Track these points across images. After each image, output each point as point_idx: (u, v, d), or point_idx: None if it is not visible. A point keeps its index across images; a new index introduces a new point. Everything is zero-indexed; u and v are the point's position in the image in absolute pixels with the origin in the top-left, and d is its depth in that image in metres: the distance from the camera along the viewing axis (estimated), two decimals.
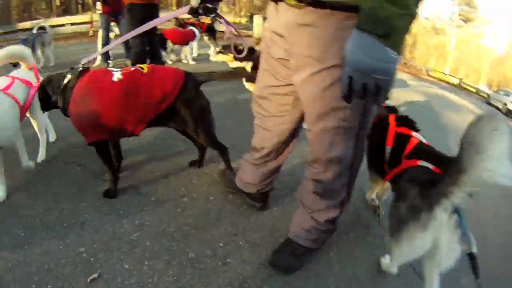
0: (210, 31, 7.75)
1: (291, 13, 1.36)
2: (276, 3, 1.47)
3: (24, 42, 6.70)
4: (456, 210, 1.39)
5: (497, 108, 19.64)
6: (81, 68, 2.17)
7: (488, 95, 23.65)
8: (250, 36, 15.08)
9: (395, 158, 1.86)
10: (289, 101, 1.71)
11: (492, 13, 54.77)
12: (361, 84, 1.05)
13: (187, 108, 2.19)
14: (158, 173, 2.70)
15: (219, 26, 8.15)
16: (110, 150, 2.33)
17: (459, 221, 1.40)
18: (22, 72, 2.69)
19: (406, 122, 2.04)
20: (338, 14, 1.23)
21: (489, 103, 21.23)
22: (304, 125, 1.69)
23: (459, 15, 39.45)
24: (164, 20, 2.50)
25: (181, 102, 2.17)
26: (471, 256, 1.39)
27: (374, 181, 2.39)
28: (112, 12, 6.15)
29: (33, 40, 6.79)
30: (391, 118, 2.05)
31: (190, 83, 2.20)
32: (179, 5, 20.50)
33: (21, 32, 13.24)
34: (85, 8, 22.41)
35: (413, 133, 1.91)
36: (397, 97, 6.15)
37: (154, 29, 5.26)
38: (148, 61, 5.16)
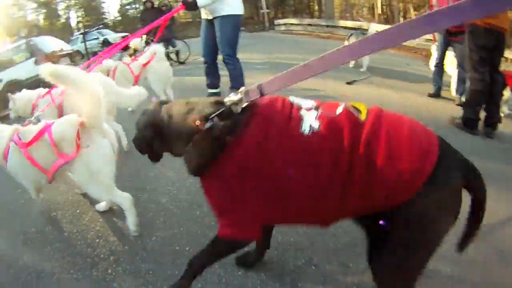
0: None
1: None
2: None
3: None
4: None
5: None
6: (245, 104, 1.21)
7: None
8: None
9: None
10: None
11: None
12: None
13: (424, 217, 1.10)
14: None
15: None
16: None
17: None
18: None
19: None
20: None
21: None
22: None
23: None
24: None
25: (423, 203, 1.08)
26: None
27: None
28: (454, 32, 4.78)
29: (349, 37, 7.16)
30: None
31: (449, 169, 1.09)
32: None
33: (341, 29, 14.39)
34: None
35: None
36: None
37: (498, 64, 3.88)
38: (483, 106, 3.89)
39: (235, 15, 3.79)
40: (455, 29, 4.65)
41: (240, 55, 4.08)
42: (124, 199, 2.09)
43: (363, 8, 31.67)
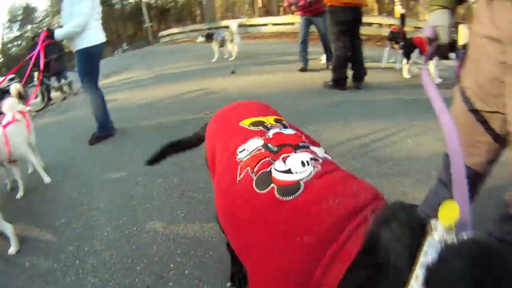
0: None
1: None
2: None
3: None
4: None
5: None
6: None
7: None
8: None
9: None
10: None
11: None
12: None
13: None
14: None
15: None
16: None
17: None
18: None
19: None
20: None
21: None
22: None
23: None
24: None
25: None
26: None
27: None
28: (312, 15, 5.91)
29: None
30: None
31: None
32: (381, 11, 19.49)
33: (224, 29, 15.16)
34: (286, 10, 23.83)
35: None
36: None
37: (357, 32, 4.88)
38: (349, 65, 4.87)
39: (91, 47, 3.71)
40: (312, 13, 5.75)
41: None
42: None
43: (244, 4, 32.98)
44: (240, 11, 29.89)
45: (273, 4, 24.93)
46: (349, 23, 4.63)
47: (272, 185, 0.83)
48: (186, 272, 1.82)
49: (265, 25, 15.06)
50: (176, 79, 6.50)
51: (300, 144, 0.97)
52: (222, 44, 8.25)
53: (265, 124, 1.09)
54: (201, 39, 8.66)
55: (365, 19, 9.56)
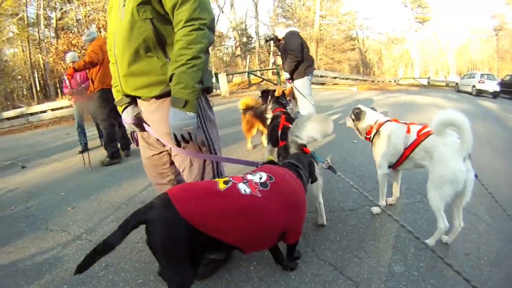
0: None
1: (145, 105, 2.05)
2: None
3: None
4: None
5: (467, 92, 21.13)
6: None
7: (457, 83, 24.82)
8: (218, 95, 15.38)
9: (283, 137, 3.09)
10: None
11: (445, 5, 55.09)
12: (180, 135, 1.79)
13: None
14: None
15: None
16: None
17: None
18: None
19: (290, 119, 3.43)
20: (165, 100, 1.92)
21: (459, 91, 22.60)
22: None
23: (415, 18, 40.65)
24: None
25: None
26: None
27: (271, 150, 3.78)
28: (84, 100, 6.55)
29: None
30: (283, 117, 3.44)
31: None
32: None
33: (6, 121, 14.57)
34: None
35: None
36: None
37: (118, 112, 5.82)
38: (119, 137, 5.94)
39: None
40: (84, 98, 6.45)
41: None
42: None
43: (22, 90, 30.78)
44: (20, 99, 27.89)
45: (50, 87, 24.43)
46: (112, 102, 5.55)
47: (268, 183, 1.90)
48: None
49: (44, 111, 15.06)
50: None
51: (242, 176, 1.96)
52: None
53: (226, 180, 1.85)
54: None
55: None
